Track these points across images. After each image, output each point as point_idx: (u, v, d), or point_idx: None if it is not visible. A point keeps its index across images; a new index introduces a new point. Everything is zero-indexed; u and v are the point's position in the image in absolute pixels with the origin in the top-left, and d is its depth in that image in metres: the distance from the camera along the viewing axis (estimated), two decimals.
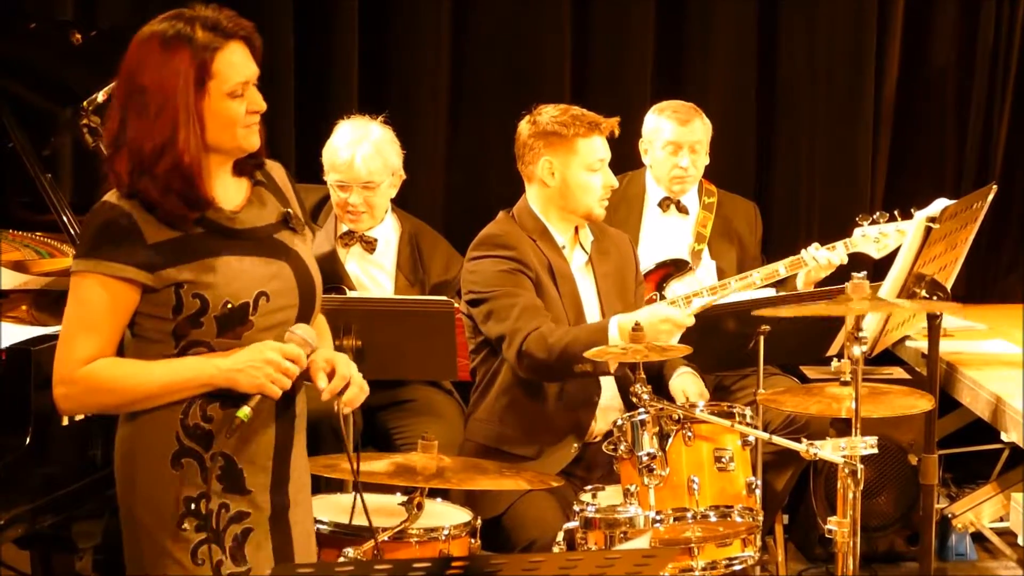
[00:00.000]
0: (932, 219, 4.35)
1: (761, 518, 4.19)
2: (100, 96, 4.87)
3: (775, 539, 5.56)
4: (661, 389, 4.78)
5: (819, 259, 5.32)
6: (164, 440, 3.18)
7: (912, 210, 4.92)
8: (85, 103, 4.84)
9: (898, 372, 5.93)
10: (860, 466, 3.86)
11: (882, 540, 5.89)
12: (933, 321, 4.47)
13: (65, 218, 4.59)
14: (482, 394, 4.75)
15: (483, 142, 6.41)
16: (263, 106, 3.22)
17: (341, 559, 3.74)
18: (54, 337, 3.36)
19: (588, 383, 4.65)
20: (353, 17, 6.30)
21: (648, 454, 4.09)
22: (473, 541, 4.09)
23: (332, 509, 4.09)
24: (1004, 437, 4.98)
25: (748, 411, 4.22)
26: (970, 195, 4.68)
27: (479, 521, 4.14)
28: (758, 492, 4.19)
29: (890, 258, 4.81)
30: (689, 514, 4.07)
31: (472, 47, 6.47)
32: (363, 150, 5.13)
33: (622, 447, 4.15)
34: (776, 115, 6.63)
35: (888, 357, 5.82)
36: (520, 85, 6.35)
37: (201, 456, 3.18)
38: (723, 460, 4.14)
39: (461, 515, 4.17)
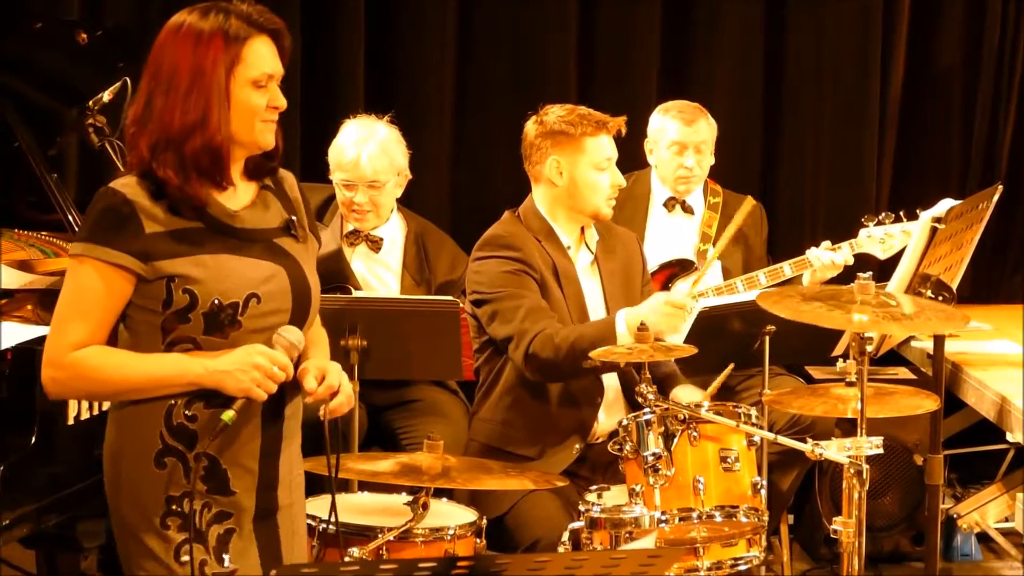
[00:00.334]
0: (938, 219, 4.34)
1: (766, 518, 4.20)
2: (106, 96, 4.88)
3: (780, 539, 5.56)
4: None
5: (824, 260, 5.32)
6: (148, 439, 3.18)
7: (918, 211, 4.91)
8: (91, 103, 4.85)
9: (903, 372, 5.93)
10: (865, 466, 3.85)
11: (887, 540, 5.89)
12: None
13: (71, 218, 4.60)
14: (485, 394, 4.76)
15: (489, 142, 6.41)
16: (283, 103, 3.25)
17: (346, 559, 3.74)
18: None
19: (591, 384, 4.65)
20: (359, 16, 6.30)
21: (653, 454, 4.09)
22: (478, 541, 4.09)
23: (339, 509, 4.09)
24: (1009, 437, 4.97)
25: (753, 411, 4.22)
26: (976, 195, 4.67)
27: (484, 521, 4.15)
28: (763, 492, 4.19)
29: (896, 259, 4.80)
30: (694, 514, 4.07)
31: (478, 46, 6.47)
32: (369, 149, 5.13)
33: (627, 447, 4.15)
34: (782, 115, 6.62)
35: (893, 357, 5.82)
36: (526, 85, 6.35)
37: (185, 456, 3.17)
38: (728, 460, 4.14)
39: (466, 515, 4.17)
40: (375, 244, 5.24)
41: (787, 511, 5.62)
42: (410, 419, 5.17)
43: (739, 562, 4.14)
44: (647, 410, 4.13)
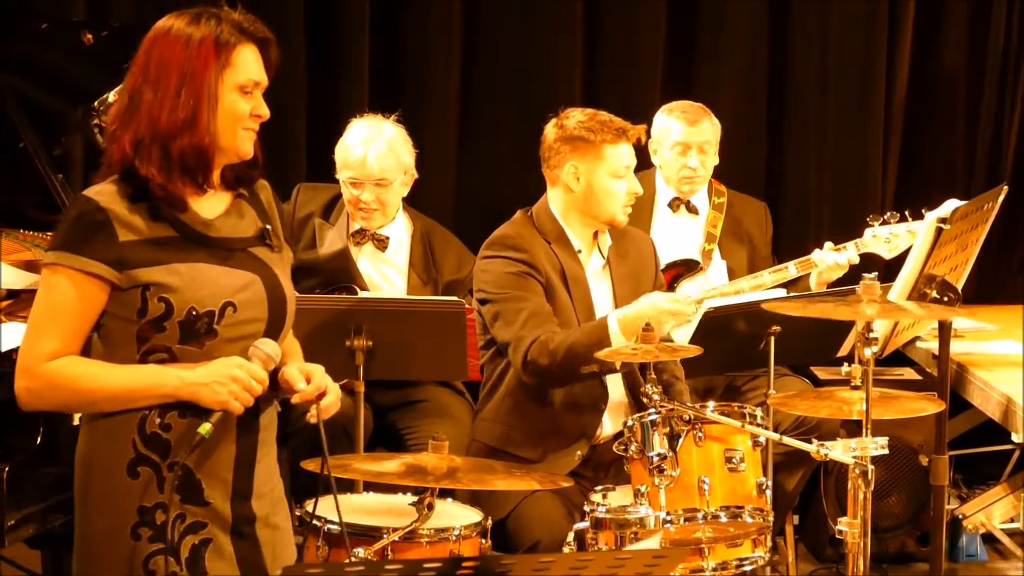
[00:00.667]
0: (943, 220, 4.34)
1: (772, 519, 4.20)
2: (111, 96, 4.87)
3: (785, 540, 5.57)
4: None
5: (828, 260, 5.32)
6: (121, 448, 3.14)
7: (923, 211, 4.90)
8: (96, 103, 4.85)
9: (909, 373, 5.93)
10: (871, 467, 3.85)
11: (893, 541, 5.88)
12: (944, 322, 4.47)
13: None
14: (489, 394, 4.75)
15: (494, 142, 6.41)
16: (267, 113, 3.22)
17: (352, 559, 3.74)
18: None
19: (595, 389, 4.63)
20: (364, 17, 6.30)
21: (659, 454, 4.09)
22: (484, 541, 4.09)
23: (343, 509, 4.09)
24: (1015, 438, 4.96)
25: (759, 412, 4.22)
26: (981, 196, 4.67)
27: (489, 521, 4.14)
28: (769, 493, 4.20)
29: (901, 259, 4.80)
30: (700, 515, 4.08)
31: (483, 47, 6.47)
32: (376, 147, 5.14)
33: (633, 447, 4.15)
34: (787, 116, 6.62)
35: (899, 358, 5.82)
36: (531, 85, 6.36)
37: (158, 465, 3.14)
38: (734, 461, 4.14)
39: (472, 515, 4.17)
40: (381, 243, 5.25)
41: (792, 511, 5.63)
42: (415, 419, 5.17)
43: (744, 563, 4.14)
44: (652, 410, 4.13)
